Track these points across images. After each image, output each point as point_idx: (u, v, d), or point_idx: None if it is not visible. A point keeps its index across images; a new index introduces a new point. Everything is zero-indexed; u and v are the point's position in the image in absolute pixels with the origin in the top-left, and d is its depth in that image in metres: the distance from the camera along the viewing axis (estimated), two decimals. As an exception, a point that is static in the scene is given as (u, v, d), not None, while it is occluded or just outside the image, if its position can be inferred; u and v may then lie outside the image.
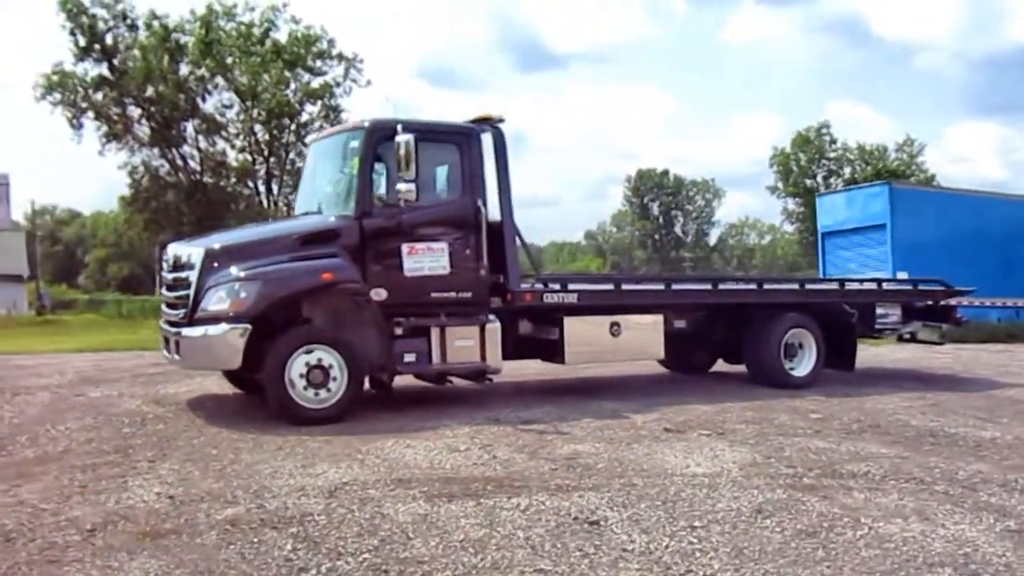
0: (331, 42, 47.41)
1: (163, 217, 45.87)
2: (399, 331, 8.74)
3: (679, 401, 9.65)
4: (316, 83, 47.39)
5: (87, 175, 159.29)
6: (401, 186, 8.43)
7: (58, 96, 42.21)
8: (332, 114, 47.19)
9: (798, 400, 9.81)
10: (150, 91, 42.97)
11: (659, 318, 10.31)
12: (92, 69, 43.14)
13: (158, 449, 7.24)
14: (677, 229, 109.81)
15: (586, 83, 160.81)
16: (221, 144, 47.26)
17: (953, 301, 12.70)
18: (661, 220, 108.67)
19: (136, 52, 42.90)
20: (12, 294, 36.18)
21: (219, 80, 45.35)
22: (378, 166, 8.90)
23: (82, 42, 42.38)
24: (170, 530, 5.05)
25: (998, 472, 6.60)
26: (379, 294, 8.66)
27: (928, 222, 22.69)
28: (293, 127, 46.72)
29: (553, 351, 9.82)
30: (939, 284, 12.49)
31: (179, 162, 46.19)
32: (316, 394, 8.23)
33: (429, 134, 9.04)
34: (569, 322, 9.68)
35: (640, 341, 10.25)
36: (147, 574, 4.35)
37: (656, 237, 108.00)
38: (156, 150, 45.36)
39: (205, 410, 9.09)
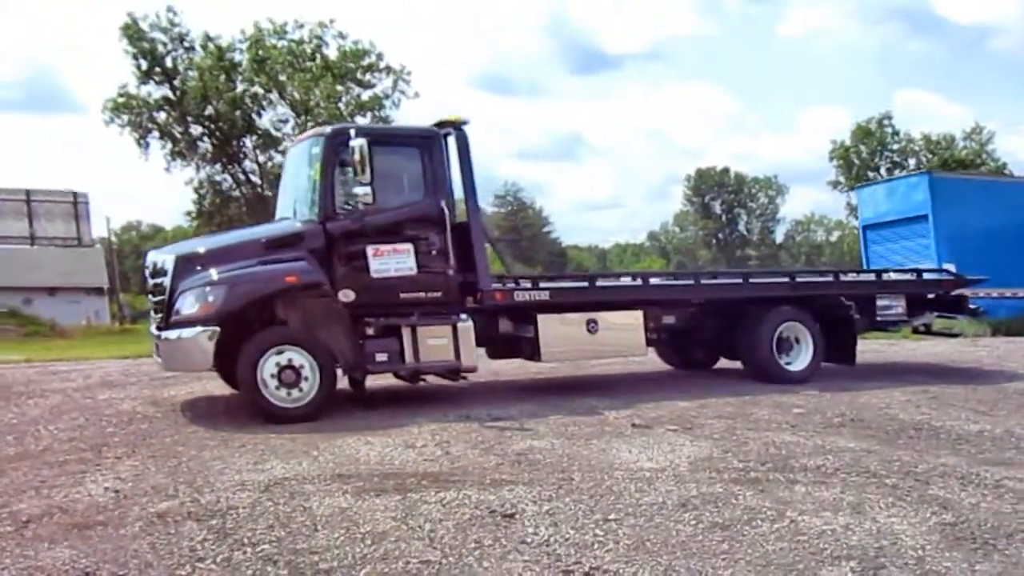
0: (379, 55, 48.44)
1: (226, 229, 47.27)
2: (370, 331, 8.83)
3: (663, 397, 9.52)
4: (366, 96, 48.40)
5: (163, 192, 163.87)
6: (357, 190, 8.55)
7: (125, 118, 43.87)
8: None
9: (788, 395, 9.60)
10: (209, 110, 44.37)
11: (639, 314, 10.16)
12: (155, 91, 45.00)
13: (130, 447, 7.39)
14: (741, 227, 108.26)
15: (643, 83, 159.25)
16: (278, 158, 48.52)
17: (967, 291, 12.29)
18: (724, 219, 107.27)
19: (193, 73, 44.37)
20: (94, 305, 37.62)
21: (273, 96, 46.67)
22: (342, 171, 8.97)
23: (144, 65, 44.30)
24: (99, 522, 5.16)
25: (965, 466, 6.40)
26: (347, 295, 8.76)
27: (973, 211, 21.85)
28: None
29: (531, 349, 9.79)
30: (947, 274, 12.13)
31: (241, 176, 47.62)
32: (288, 393, 8.34)
33: (390, 138, 9.23)
34: (543, 320, 9.64)
35: (619, 338, 10.12)
36: (57, 561, 4.47)
37: (720, 236, 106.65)
38: (218, 166, 46.89)
39: (194, 410, 9.25)
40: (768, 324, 10.61)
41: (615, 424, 8.10)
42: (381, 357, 8.86)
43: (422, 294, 9.10)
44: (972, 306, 12.22)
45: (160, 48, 44.66)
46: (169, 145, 44.99)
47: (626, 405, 9.03)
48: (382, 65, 48.60)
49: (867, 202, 25.93)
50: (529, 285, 9.82)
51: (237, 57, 45.61)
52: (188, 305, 8.30)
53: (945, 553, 4.51)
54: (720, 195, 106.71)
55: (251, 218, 46.59)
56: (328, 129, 9.21)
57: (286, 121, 47.91)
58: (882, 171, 69.44)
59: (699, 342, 11.69)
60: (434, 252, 9.15)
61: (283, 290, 8.55)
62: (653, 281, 11.02)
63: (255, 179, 48.13)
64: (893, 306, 11.40)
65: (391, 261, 8.93)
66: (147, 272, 9.26)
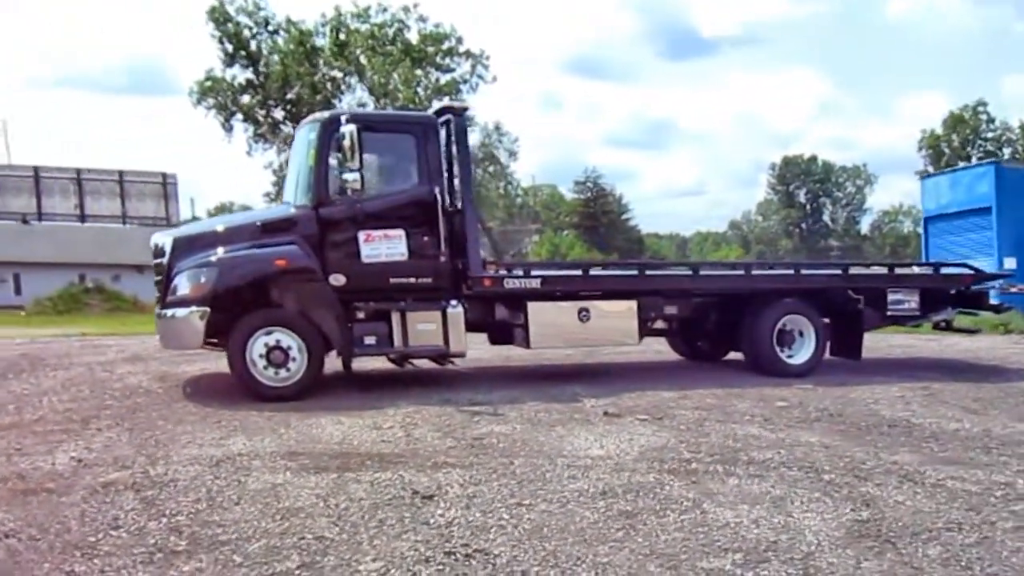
0: (459, 40, 48.93)
1: None
2: (361, 315, 9.06)
3: (653, 386, 9.49)
4: (444, 79, 48.93)
5: (251, 174, 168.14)
6: (347, 176, 8.73)
7: (211, 101, 45.26)
8: None
9: (780, 388, 9.50)
10: (290, 94, 45.50)
11: (632, 304, 10.14)
12: (240, 74, 46.49)
13: (116, 420, 7.73)
14: (826, 217, 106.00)
15: (737, 67, 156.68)
16: None
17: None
18: (808, 208, 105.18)
19: (275, 57, 45.52)
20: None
21: (352, 80, 47.58)
22: (336, 157, 9.14)
23: (229, 49, 45.58)
24: (48, 489, 5.48)
25: (916, 464, 6.32)
26: (338, 280, 8.98)
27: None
28: None
29: (522, 336, 9.89)
30: (966, 268, 11.81)
31: None
32: (276, 373, 8.63)
33: (386, 124, 9.34)
34: (533, 307, 9.72)
35: (612, 327, 10.12)
36: (-11, 523, 4.77)
37: (802, 226, 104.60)
38: None
39: (194, 387, 9.58)
40: (769, 316, 10.49)
41: (588, 412, 8.16)
42: (369, 340, 9.08)
43: (412, 280, 9.27)
44: (994, 302, 11.86)
45: (245, 32, 46.01)
46: (252, 128, 46.36)
47: (610, 394, 9.07)
48: (461, 49, 49.21)
49: (930, 193, 25.19)
50: (520, 273, 9.89)
51: (319, 41, 46.60)
52: (182, 286, 8.63)
53: (838, 550, 4.51)
54: (805, 184, 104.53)
55: None
56: (324, 115, 9.39)
57: (365, 105, 48.94)
58: (974, 161, 67.33)
59: (705, 333, 11.63)
60: (426, 238, 9.29)
61: (273, 273, 8.80)
62: (649, 271, 10.93)
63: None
64: (905, 301, 11.11)
65: (382, 247, 9.12)
66: (152, 254, 9.62)
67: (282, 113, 47.13)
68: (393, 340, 9.12)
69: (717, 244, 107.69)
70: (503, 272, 9.84)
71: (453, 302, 9.32)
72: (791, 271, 11.27)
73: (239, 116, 45.71)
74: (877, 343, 15.30)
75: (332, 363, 9.85)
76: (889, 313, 11.10)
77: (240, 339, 8.57)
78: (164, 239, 9.18)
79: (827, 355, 11.11)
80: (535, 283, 9.73)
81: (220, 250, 8.76)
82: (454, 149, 9.73)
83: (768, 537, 4.67)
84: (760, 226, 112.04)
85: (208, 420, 7.66)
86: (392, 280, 9.19)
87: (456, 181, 9.72)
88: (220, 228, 9.53)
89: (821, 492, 5.55)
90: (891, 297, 11.06)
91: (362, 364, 10.37)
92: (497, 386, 9.64)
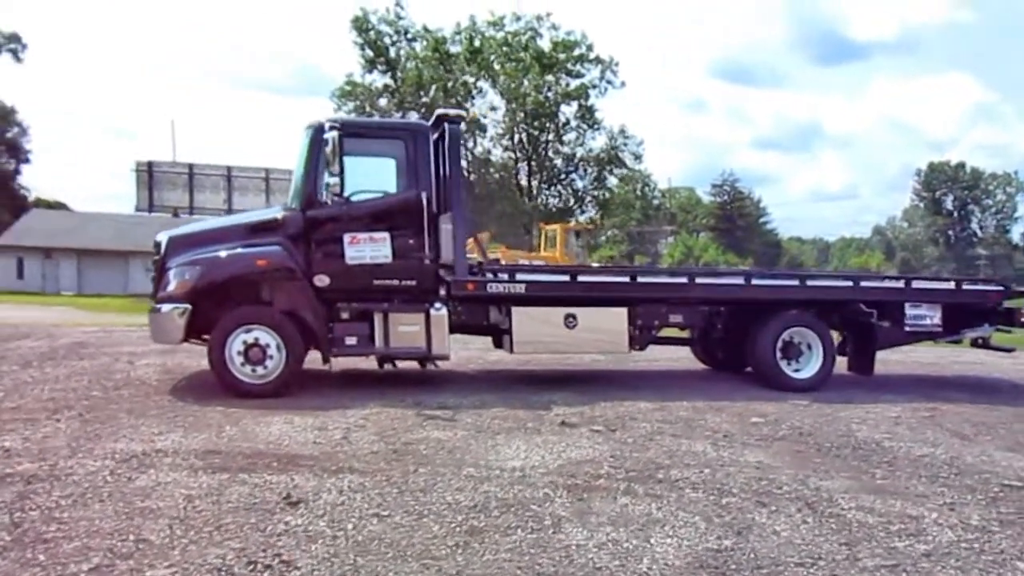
0: (589, 47, 49.64)
1: None
2: (345, 316, 9.17)
3: (636, 397, 9.28)
4: (573, 85, 49.59)
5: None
6: (329, 180, 8.85)
7: (351, 104, 47.23)
8: (587, 114, 49.31)
9: (771, 403, 9.11)
10: (424, 97, 47.03)
11: (623, 311, 9.88)
12: (378, 79, 49.11)
13: (82, 411, 7.98)
14: (973, 225, 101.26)
15: (889, 72, 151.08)
16: (484, 144, 50.92)
17: None
18: (955, 215, 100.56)
19: (411, 63, 47.30)
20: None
21: (483, 85, 48.76)
22: (324, 161, 9.20)
23: (370, 55, 47.61)
24: (-34, 475, 5.79)
25: (843, 491, 5.96)
26: (322, 280, 9.11)
27: None
28: (551, 127, 49.28)
29: (508, 341, 9.79)
30: (996, 284, 10.98)
31: None
32: (254, 370, 8.83)
33: (376, 131, 9.43)
34: (518, 312, 9.60)
35: (599, 334, 9.86)
36: None
37: (949, 233, 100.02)
38: None
39: (189, 381, 9.88)
40: (771, 328, 10.04)
41: (546, 421, 8.01)
42: (351, 341, 9.18)
43: (396, 281, 9.31)
44: (1024, 320, 10.99)
45: (385, 40, 48.02)
46: None
47: (586, 402, 8.89)
48: (591, 56, 49.91)
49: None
50: (506, 277, 9.78)
51: (453, 48, 48.15)
52: (169, 283, 8.94)
53: (661, 581, 4.30)
54: (952, 190, 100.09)
55: None
56: (315, 122, 9.53)
57: (495, 109, 50.08)
58: None
59: (719, 344, 11.23)
60: (411, 241, 9.31)
61: (254, 272, 9.00)
62: (641, 279, 10.60)
63: (463, 163, 50.34)
64: (926, 316, 10.42)
65: (367, 249, 9.20)
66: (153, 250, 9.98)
67: (416, 116, 48.73)
68: (375, 341, 9.19)
69: (860, 250, 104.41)
70: (489, 276, 9.74)
71: (437, 304, 9.32)
72: (795, 281, 10.70)
73: (376, 118, 47.39)
74: (941, 357, 14.57)
75: (341, 362, 10.08)
76: (908, 328, 10.42)
77: (220, 336, 8.81)
78: (162, 237, 9.50)
79: (846, 370, 10.58)
80: (519, 288, 9.62)
81: (207, 249, 9.02)
82: (447, 155, 9.71)
83: (600, 563, 4.49)
84: (905, 233, 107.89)
85: (165, 415, 7.88)
86: (376, 282, 9.26)
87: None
88: (212, 228, 9.80)
89: (704, 517, 5.30)
90: (910, 312, 10.39)
91: (370, 363, 10.46)
92: (481, 390, 9.63)
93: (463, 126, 9.77)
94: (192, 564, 4.29)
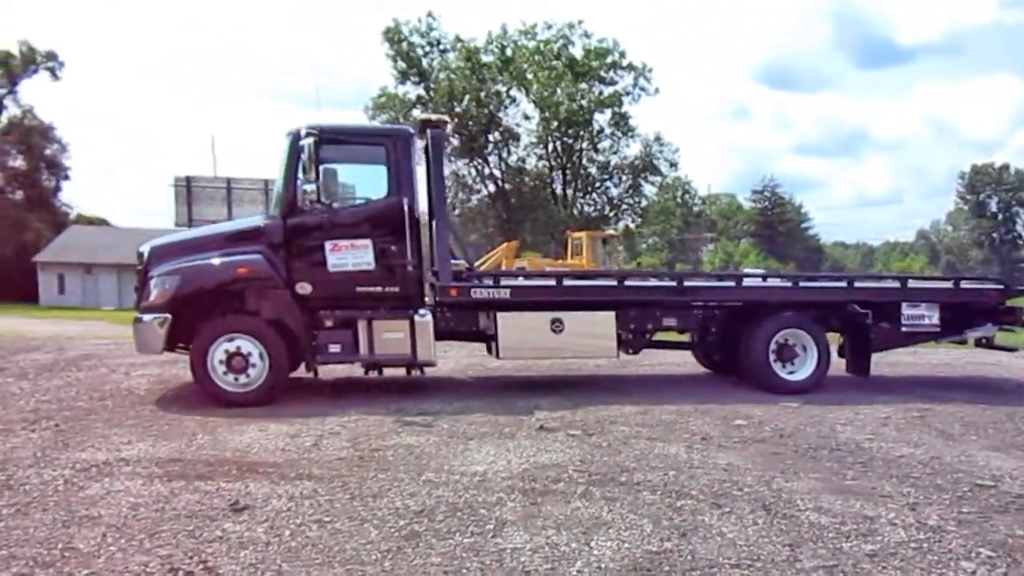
0: (622, 53, 49.66)
1: (469, 220, 50.75)
2: (329, 323, 9.14)
3: (623, 401, 9.17)
4: (606, 92, 49.60)
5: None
6: (305, 187, 8.83)
7: (384, 116, 47.69)
8: (621, 122, 49.29)
9: (760, 405, 8.96)
10: (457, 108, 47.36)
11: (610, 315, 9.74)
12: (411, 91, 49.38)
13: (60, 421, 8.06)
14: (1019, 227, 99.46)
15: (935, 75, 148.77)
16: (518, 153, 51.27)
17: None
18: (1000, 218, 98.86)
19: (443, 74, 47.67)
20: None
21: (515, 94, 49.10)
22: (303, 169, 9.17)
23: (402, 66, 48.07)
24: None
25: (806, 491, 5.83)
26: (304, 288, 9.09)
27: None
28: (586, 135, 49.38)
29: (495, 347, 9.72)
30: (995, 282, 10.70)
31: (485, 171, 50.50)
32: (236, 379, 8.83)
33: (356, 137, 9.38)
34: (503, 318, 9.52)
35: (586, 339, 9.73)
36: None
37: (994, 236, 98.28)
38: (463, 161, 49.99)
39: (179, 391, 9.91)
40: (764, 330, 9.86)
41: (524, 426, 7.93)
42: (334, 348, 9.15)
43: (379, 288, 9.26)
44: (1028, 319, 10.68)
45: (417, 51, 48.47)
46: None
47: (572, 407, 8.83)
48: (624, 63, 49.89)
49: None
50: (490, 283, 9.71)
51: (485, 58, 48.43)
52: (151, 293, 8.98)
53: (585, 584, 4.20)
54: (997, 192, 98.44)
55: (491, 211, 49.81)
56: (294, 129, 9.52)
57: (529, 118, 50.29)
58: None
59: (717, 347, 11.05)
60: (394, 248, 9.24)
61: (234, 281, 9.01)
62: (628, 282, 10.46)
63: (496, 173, 50.75)
64: (924, 316, 10.15)
65: (349, 256, 9.17)
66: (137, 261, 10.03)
67: (450, 127, 49.05)
68: (359, 348, 9.16)
69: (904, 254, 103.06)
70: (475, 282, 9.68)
71: (422, 311, 9.27)
72: (787, 283, 10.50)
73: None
74: (957, 359, 14.27)
75: (338, 371, 10.07)
76: (905, 329, 10.17)
77: (202, 345, 8.83)
78: (145, 247, 9.55)
79: (844, 371, 10.38)
80: (504, 293, 9.54)
81: (188, 259, 9.05)
82: (431, 161, 9.69)
83: (531, 566, 4.40)
84: (949, 236, 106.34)
85: (141, 425, 7.91)
86: (359, 289, 9.22)
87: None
88: (194, 237, 9.84)
89: (654, 519, 5.18)
90: (907, 312, 10.14)
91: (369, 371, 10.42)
92: (469, 396, 9.62)
93: (449, 129, 9.70)
94: (113, 572, 4.27)
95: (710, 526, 5.06)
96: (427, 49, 49.74)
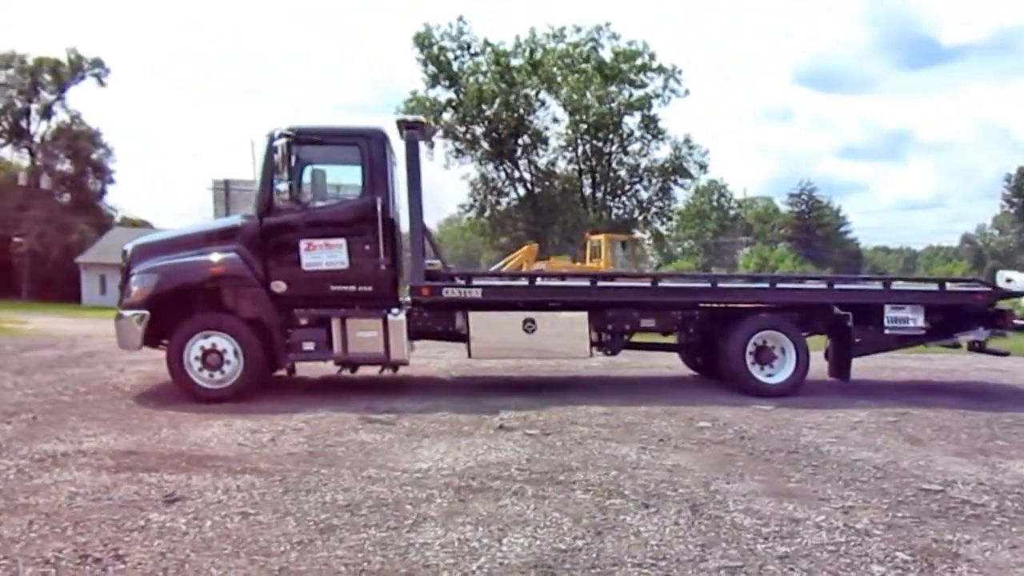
0: (652, 56, 49.45)
1: (498, 223, 50.70)
2: (303, 321, 9.26)
3: (592, 402, 9.17)
4: (636, 95, 49.50)
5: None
6: (278, 187, 8.97)
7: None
8: (651, 124, 49.17)
9: (731, 408, 8.92)
10: (488, 111, 47.54)
11: (583, 316, 9.75)
12: (442, 94, 49.50)
13: (38, 415, 8.27)
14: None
15: (982, 75, 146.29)
16: (547, 155, 51.42)
17: None
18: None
19: (472, 78, 47.93)
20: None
21: (545, 97, 49.19)
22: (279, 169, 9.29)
23: (432, 70, 48.46)
24: None
25: (744, 493, 5.80)
26: (279, 286, 9.22)
27: None
28: (615, 138, 49.31)
29: (467, 346, 9.77)
30: (981, 284, 10.53)
31: (515, 174, 50.81)
32: (211, 375, 8.98)
33: (330, 138, 9.48)
34: (475, 317, 9.58)
35: (559, 339, 9.74)
36: None
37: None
38: (492, 164, 50.22)
39: (161, 387, 9.99)
40: (741, 332, 9.80)
41: (483, 425, 7.98)
42: (308, 346, 9.27)
43: (352, 287, 9.36)
44: (1020, 322, 10.50)
45: (448, 55, 48.81)
46: (451, 143, 49.01)
47: (538, 407, 8.85)
48: (654, 65, 49.74)
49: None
50: (463, 283, 9.76)
51: (514, 62, 48.63)
52: (131, 290, 9.16)
53: (486, 580, 4.24)
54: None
55: (520, 214, 50.02)
56: (271, 130, 9.65)
57: (558, 121, 50.35)
58: None
59: (695, 348, 11.01)
60: (367, 247, 9.34)
61: (208, 279, 9.15)
62: (601, 283, 10.44)
63: (526, 176, 50.94)
64: (909, 319, 10.01)
65: (323, 255, 9.28)
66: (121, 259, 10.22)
67: (480, 129, 49.23)
68: (333, 346, 9.26)
69: (948, 259, 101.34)
70: (447, 282, 9.74)
71: (395, 310, 9.35)
72: (764, 284, 10.42)
73: (440, 133, 47.79)
74: (965, 364, 14.07)
75: (322, 368, 10.21)
76: (888, 331, 10.03)
77: (178, 342, 8.99)
78: (128, 246, 9.73)
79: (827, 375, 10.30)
80: (476, 293, 9.59)
81: (166, 257, 9.21)
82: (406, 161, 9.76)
83: (433, 561, 4.43)
84: (995, 240, 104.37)
85: (114, 418, 8.08)
86: (333, 288, 9.32)
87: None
88: (173, 236, 9.99)
89: (575, 518, 5.19)
90: (890, 314, 10.00)
91: (362, 370, 10.51)
92: (440, 395, 9.66)
93: (438, 130, 9.78)
94: (25, 557, 4.36)
95: (629, 525, 5.06)
96: (457, 53, 49.98)
